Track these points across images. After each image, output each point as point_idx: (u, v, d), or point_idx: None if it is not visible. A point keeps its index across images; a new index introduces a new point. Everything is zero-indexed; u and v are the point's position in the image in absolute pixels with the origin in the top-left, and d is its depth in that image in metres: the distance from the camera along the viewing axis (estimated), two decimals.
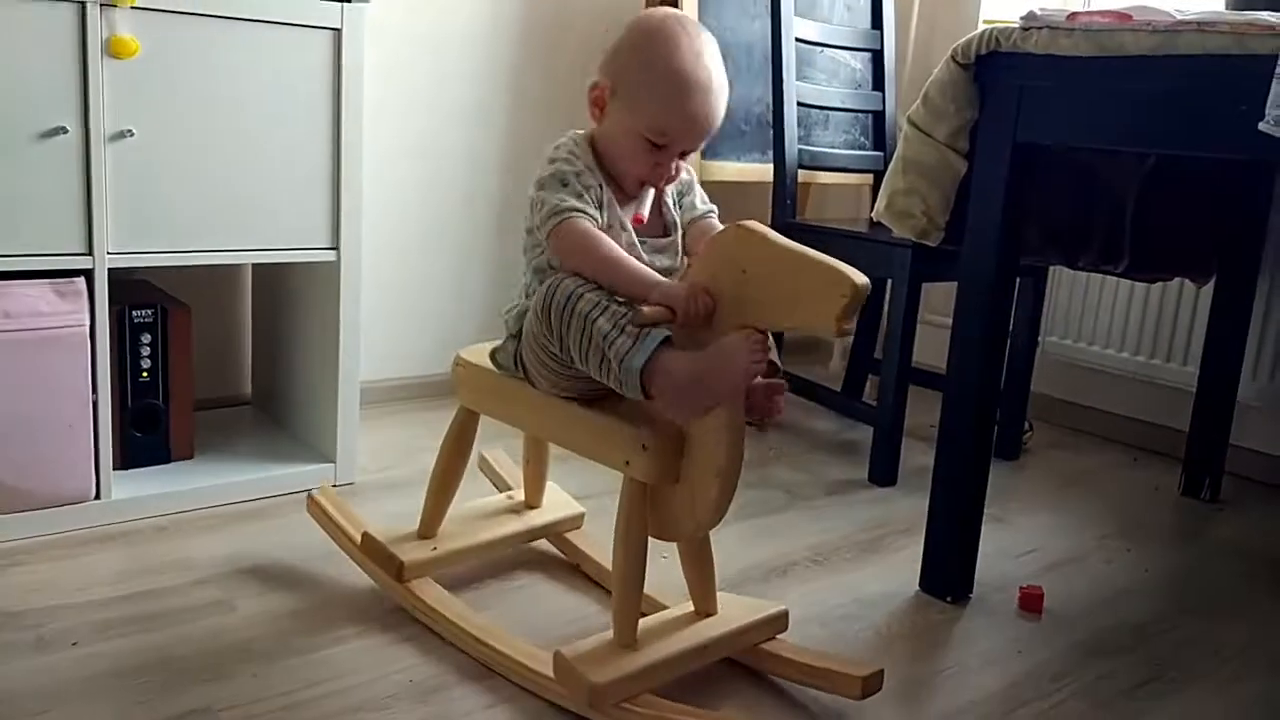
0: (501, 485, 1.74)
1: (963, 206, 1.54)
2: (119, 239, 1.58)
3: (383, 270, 2.31)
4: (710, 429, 1.17)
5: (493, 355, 1.40)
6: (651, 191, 1.34)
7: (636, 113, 1.26)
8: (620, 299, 1.19)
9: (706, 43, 1.27)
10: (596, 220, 1.25)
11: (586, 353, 1.19)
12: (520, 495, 1.62)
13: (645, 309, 1.15)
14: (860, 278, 1.07)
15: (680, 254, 1.35)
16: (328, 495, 1.62)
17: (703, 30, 1.28)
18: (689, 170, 1.39)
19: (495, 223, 2.49)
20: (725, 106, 1.29)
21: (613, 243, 1.24)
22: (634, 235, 1.29)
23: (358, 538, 1.50)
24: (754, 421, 1.22)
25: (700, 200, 1.39)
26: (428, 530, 1.49)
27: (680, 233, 1.36)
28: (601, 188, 1.28)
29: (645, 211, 1.33)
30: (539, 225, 1.26)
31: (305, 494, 1.67)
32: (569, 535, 1.63)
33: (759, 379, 1.17)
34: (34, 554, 1.53)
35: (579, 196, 1.25)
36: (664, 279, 1.21)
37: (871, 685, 1.28)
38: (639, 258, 1.28)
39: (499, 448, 1.82)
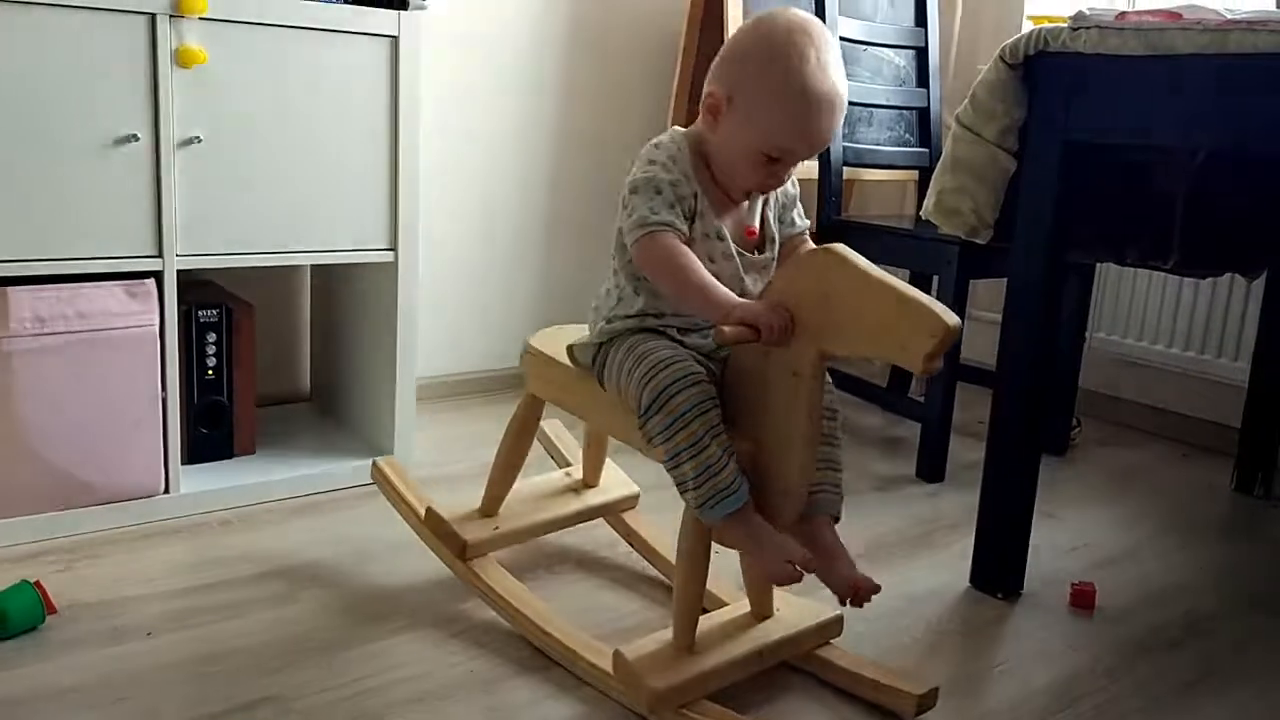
0: (560, 459, 1.75)
1: (1011, 204, 1.55)
2: (187, 241, 1.64)
3: (437, 268, 2.35)
4: (778, 450, 1.19)
5: (570, 349, 1.39)
6: (759, 201, 1.30)
7: (757, 128, 1.20)
8: (719, 424, 1.18)
9: (833, 51, 1.20)
10: (684, 235, 1.22)
11: (670, 470, 1.20)
12: (578, 473, 1.65)
13: (727, 329, 1.13)
14: (953, 318, 1.04)
15: (771, 270, 1.32)
16: (391, 465, 1.65)
17: (826, 34, 1.20)
18: (794, 183, 1.33)
19: (546, 221, 2.53)
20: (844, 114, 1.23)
21: (697, 263, 1.20)
22: (731, 245, 1.26)
23: (421, 511, 1.54)
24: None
25: (799, 216, 1.35)
26: (490, 509, 1.52)
27: (778, 248, 1.33)
28: (697, 197, 1.24)
29: (755, 223, 1.28)
30: (627, 234, 1.23)
31: (364, 487, 1.71)
32: (625, 515, 1.66)
33: (856, 578, 1.22)
34: (107, 547, 1.59)
35: (670, 207, 1.21)
36: (743, 300, 1.18)
37: (927, 703, 1.28)
38: (735, 268, 1.26)
39: (556, 420, 1.81)
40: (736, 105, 1.21)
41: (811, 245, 1.33)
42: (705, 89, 1.24)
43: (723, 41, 2.36)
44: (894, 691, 1.29)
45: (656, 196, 1.22)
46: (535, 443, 1.56)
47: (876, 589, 1.22)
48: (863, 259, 1.12)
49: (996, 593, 1.60)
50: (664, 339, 1.26)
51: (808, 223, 1.36)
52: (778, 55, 1.18)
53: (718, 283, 1.20)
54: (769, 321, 1.13)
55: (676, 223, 1.21)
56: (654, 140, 1.27)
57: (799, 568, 1.16)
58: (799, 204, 1.36)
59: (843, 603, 1.23)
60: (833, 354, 1.15)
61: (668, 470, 1.21)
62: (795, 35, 1.18)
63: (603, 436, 1.60)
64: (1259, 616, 1.61)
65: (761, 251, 1.30)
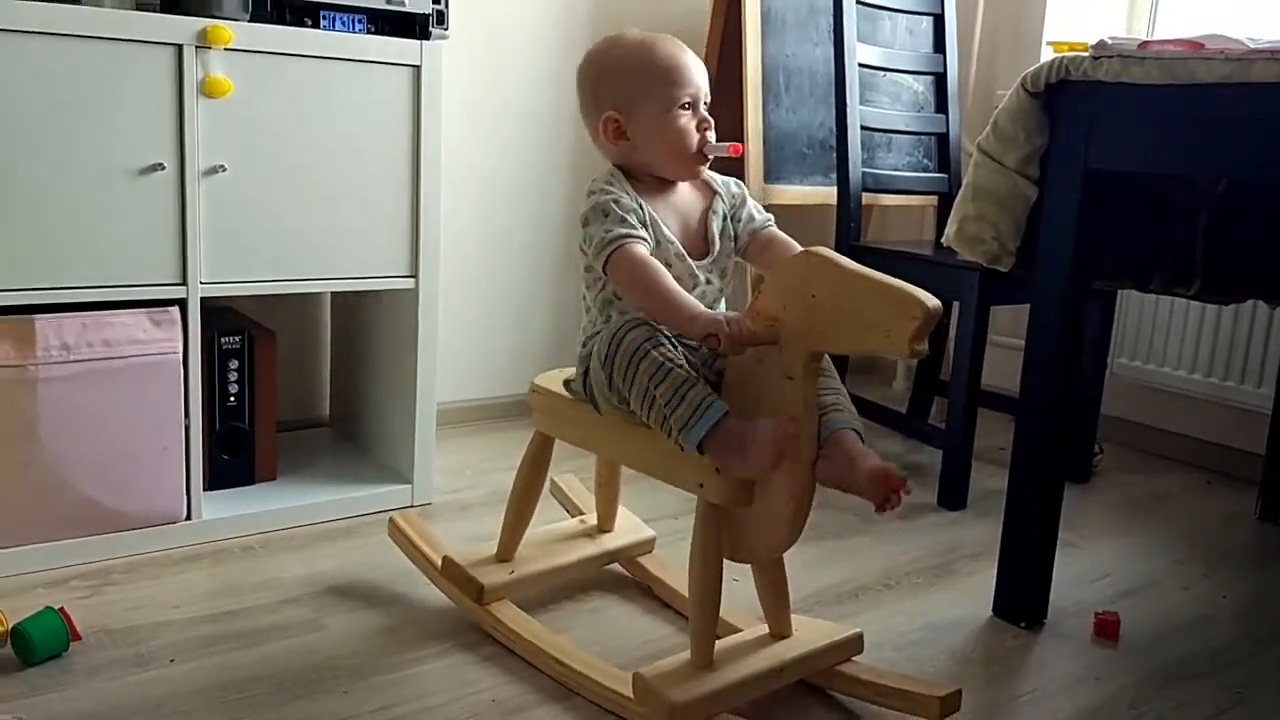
0: (573, 510, 1.77)
1: (1032, 231, 1.55)
2: (211, 269, 1.65)
3: (456, 295, 2.36)
4: None
5: (566, 384, 1.44)
6: (702, 206, 1.39)
7: (654, 97, 1.33)
8: (681, 359, 1.22)
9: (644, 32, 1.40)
10: (646, 241, 1.30)
11: (647, 413, 1.24)
12: (592, 519, 1.66)
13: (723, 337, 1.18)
14: (932, 300, 1.08)
15: (727, 270, 1.40)
16: (408, 519, 1.66)
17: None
18: (739, 184, 1.43)
19: (563, 248, 2.54)
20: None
21: (664, 272, 1.28)
22: (680, 247, 1.34)
23: (438, 561, 1.54)
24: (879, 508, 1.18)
25: (756, 211, 1.43)
26: (505, 554, 1.53)
27: (732, 246, 1.41)
28: (642, 207, 1.33)
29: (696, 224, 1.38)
30: (594, 258, 1.31)
31: (384, 513, 1.72)
32: (641, 559, 1.66)
33: (878, 465, 1.17)
34: (130, 573, 1.59)
35: (622, 221, 1.30)
36: (707, 310, 1.24)
37: (949, 705, 1.29)
38: (689, 268, 1.34)
39: (570, 474, 1.85)
40: (627, 105, 1.35)
41: (778, 232, 1.42)
42: (598, 127, 1.37)
43: (742, 76, 2.40)
44: (915, 696, 1.30)
45: (606, 218, 1.31)
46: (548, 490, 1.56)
47: (903, 483, 1.17)
48: (842, 257, 1.16)
49: (1020, 622, 1.59)
50: None
51: (770, 216, 1.44)
52: (614, 53, 1.38)
53: (684, 292, 1.27)
54: (727, 332, 1.17)
55: (634, 231, 1.30)
56: (591, 180, 1.37)
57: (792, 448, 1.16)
58: (750, 201, 1.43)
59: (879, 509, 1.17)
60: (823, 353, 1.19)
61: (644, 415, 1.24)
62: (612, 37, 1.40)
63: (615, 480, 1.61)
64: None
65: (706, 255, 1.38)
